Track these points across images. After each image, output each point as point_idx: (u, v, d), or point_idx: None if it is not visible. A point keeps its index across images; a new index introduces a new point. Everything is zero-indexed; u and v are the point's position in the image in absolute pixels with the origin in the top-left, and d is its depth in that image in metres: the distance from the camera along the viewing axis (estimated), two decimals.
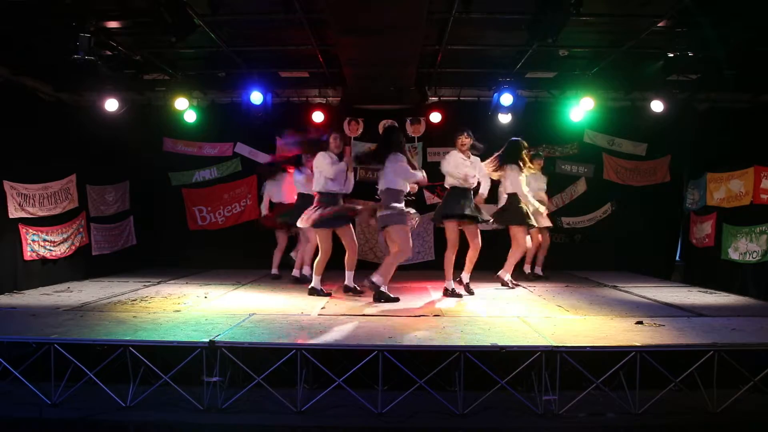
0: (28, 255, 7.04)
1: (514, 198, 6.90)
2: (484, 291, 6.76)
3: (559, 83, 8.58)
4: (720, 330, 4.59)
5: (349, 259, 6.41)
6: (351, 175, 6.42)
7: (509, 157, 6.83)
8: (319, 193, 6.25)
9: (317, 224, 6.16)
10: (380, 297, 5.90)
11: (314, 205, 6.24)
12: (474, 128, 6.50)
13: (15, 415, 3.88)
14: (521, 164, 6.83)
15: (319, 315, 5.26)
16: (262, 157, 9.35)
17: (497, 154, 6.88)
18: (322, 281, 6.41)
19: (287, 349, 4.01)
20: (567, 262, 8.79)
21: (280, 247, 7.98)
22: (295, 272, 7.56)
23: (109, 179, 8.78)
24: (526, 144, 6.96)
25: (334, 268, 8.12)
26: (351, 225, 6.45)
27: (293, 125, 9.05)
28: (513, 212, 6.86)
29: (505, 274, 7.03)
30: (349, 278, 6.47)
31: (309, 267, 7.20)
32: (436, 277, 7.24)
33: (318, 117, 8.77)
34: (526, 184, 6.93)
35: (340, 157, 6.33)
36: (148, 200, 9.31)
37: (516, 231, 6.88)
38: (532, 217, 6.88)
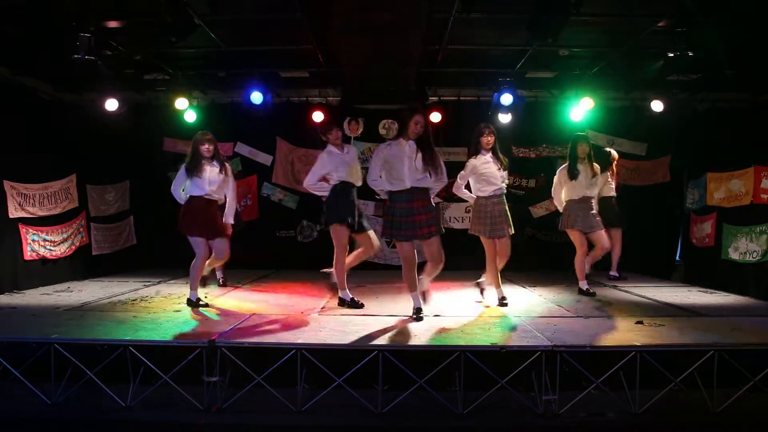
0: (28, 255, 7.04)
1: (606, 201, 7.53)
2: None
3: (559, 83, 8.56)
4: (720, 330, 4.59)
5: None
6: None
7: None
8: None
9: None
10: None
11: None
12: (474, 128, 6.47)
13: (15, 415, 3.88)
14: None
15: (319, 315, 5.26)
16: (262, 157, 9.35)
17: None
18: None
19: (287, 349, 4.01)
20: (567, 262, 8.77)
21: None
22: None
23: (109, 179, 8.78)
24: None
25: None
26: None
27: (293, 125, 9.12)
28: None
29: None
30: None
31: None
32: (436, 277, 7.22)
33: (318, 117, 8.75)
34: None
35: None
36: (148, 200, 9.29)
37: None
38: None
